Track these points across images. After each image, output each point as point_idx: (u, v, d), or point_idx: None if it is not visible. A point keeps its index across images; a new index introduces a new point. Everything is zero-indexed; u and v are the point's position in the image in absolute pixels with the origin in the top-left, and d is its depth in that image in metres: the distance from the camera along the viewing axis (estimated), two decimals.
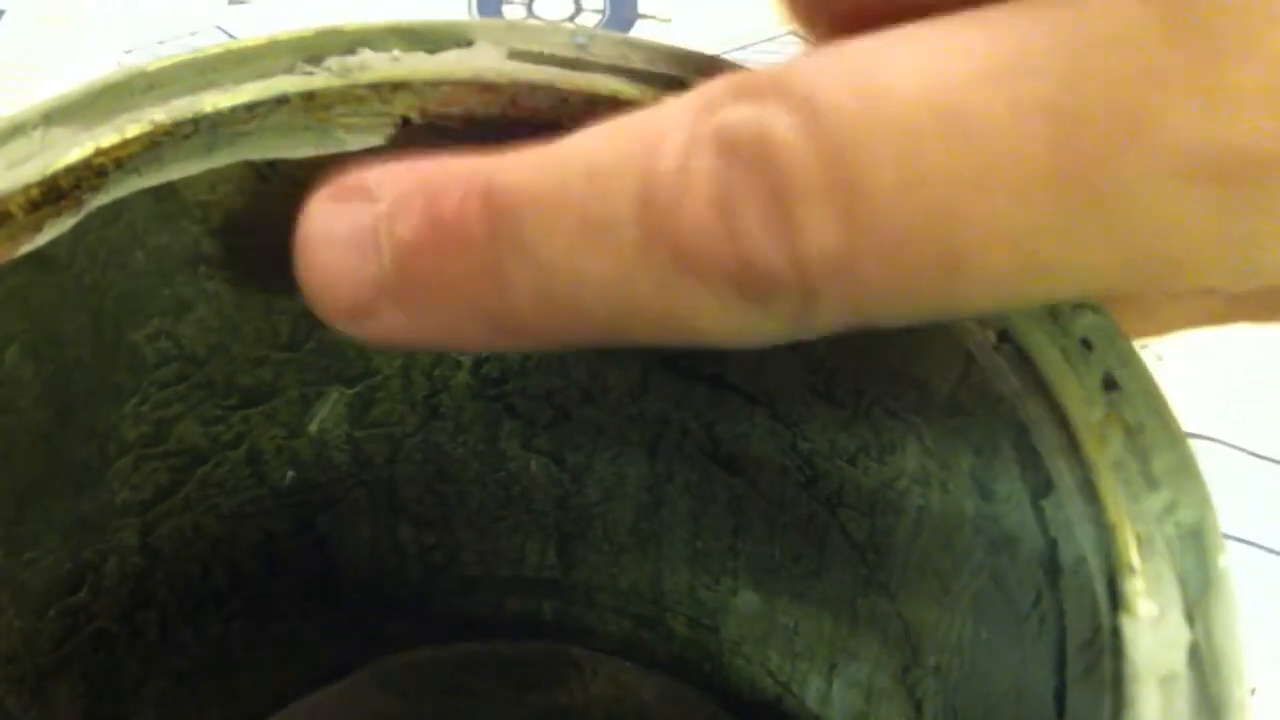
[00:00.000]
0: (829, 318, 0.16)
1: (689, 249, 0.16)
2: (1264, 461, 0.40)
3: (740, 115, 0.16)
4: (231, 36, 0.52)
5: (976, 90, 0.15)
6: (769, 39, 0.52)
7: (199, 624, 0.30)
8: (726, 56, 0.22)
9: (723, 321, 0.17)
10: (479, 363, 0.27)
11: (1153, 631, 0.15)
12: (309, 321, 0.25)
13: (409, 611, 0.33)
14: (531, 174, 0.17)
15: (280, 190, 0.22)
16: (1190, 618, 0.15)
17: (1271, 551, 0.38)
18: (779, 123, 0.15)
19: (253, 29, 0.52)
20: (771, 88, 0.16)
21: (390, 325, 0.19)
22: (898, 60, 0.15)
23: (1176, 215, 0.14)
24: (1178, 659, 0.15)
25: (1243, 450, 0.40)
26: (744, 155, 0.15)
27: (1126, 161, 0.14)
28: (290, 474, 0.28)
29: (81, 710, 0.28)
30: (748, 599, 0.30)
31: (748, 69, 0.17)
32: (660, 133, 0.16)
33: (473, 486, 0.30)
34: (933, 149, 0.15)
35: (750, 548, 0.29)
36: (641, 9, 0.53)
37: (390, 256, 0.19)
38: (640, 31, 0.51)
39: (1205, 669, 0.15)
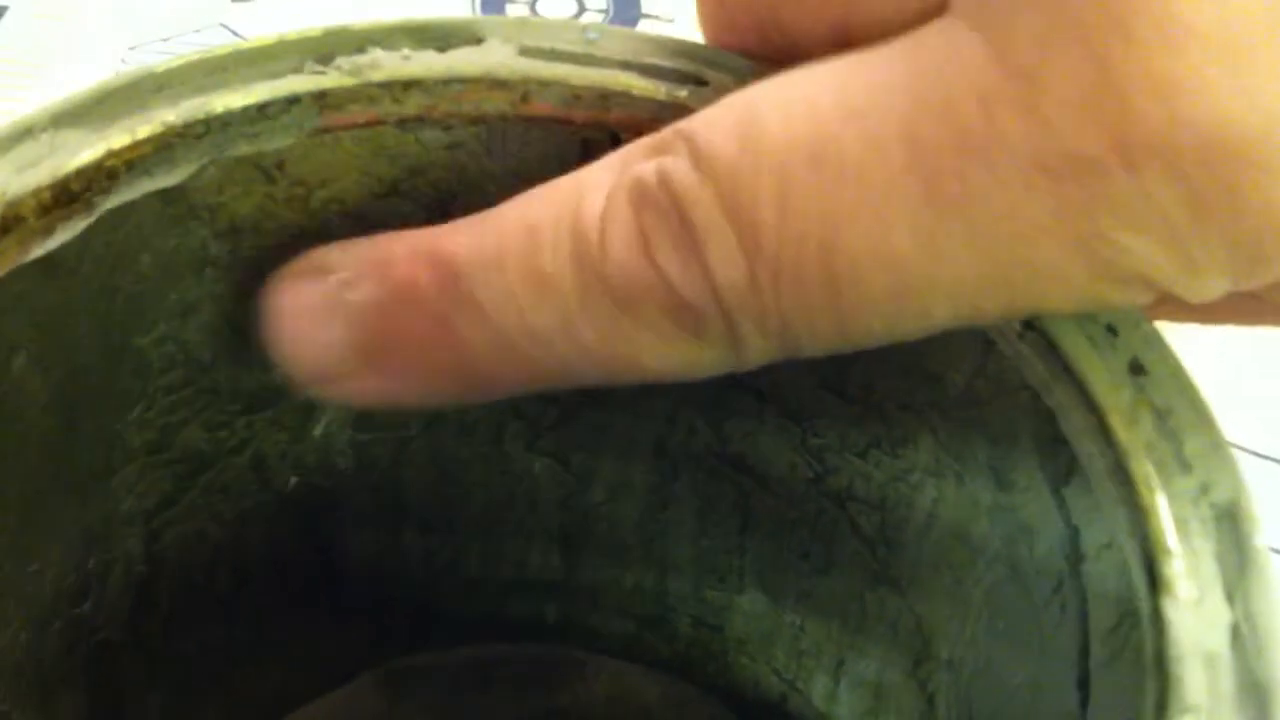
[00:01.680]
0: (758, 345, 0.18)
1: (621, 290, 0.17)
2: (1267, 461, 0.40)
3: (649, 169, 0.17)
4: (236, 33, 0.51)
5: (837, 127, 0.16)
6: None
7: (202, 631, 0.29)
8: None
9: (666, 357, 0.18)
10: None
11: (1194, 612, 0.15)
12: None
13: (412, 615, 0.33)
14: (474, 235, 0.19)
15: (287, 192, 0.22)
16: (1230, 598, 0.15)
17: (1276, 551, 0.38)
18: (680, 172, 0.17)
19: (257, 26, 0.51)
20: (675, 141, 0.18)
21: (365, 386, 0.20)
22: (771, 106, 0.17)
23: (1026, 220, 0.15)
24: (1220, 639, 0.15)
25: (1244, 450, 0.40)
26: (654, 202, 0.17)
27: (971, 175, 0.15)
28: (294, 479, 0.28)
29: None
30: (754, 597, 0.30)
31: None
32: (585, 190, 0.18)
33: (477, 489, 0.30)
34: (803, 183, 0.16)
35: (757, 545, 0.29)
36: (645, 9, 0.53)
37: (346, 321, 0.20)
38: (645, 30, 0.51)
39: (1247, 648, 0.15)
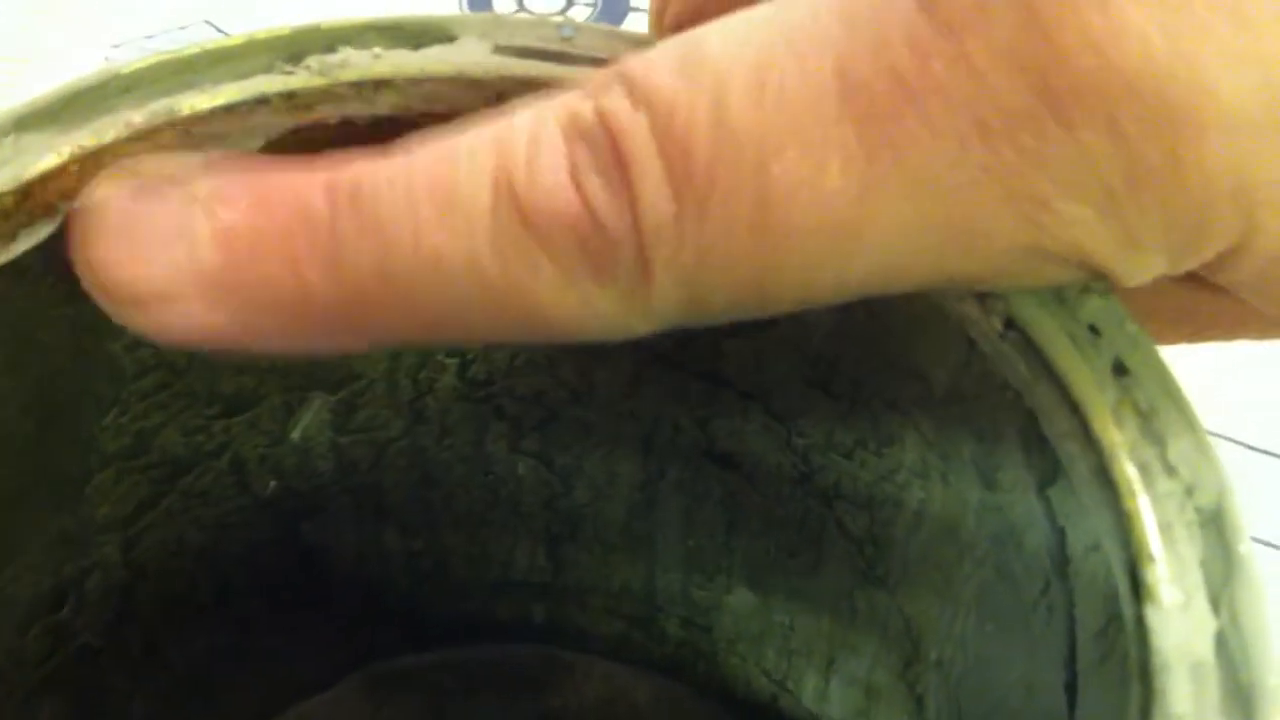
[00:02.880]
0: (664, 293, 0.17)
1: (537, 215, 0.17)
2: (1266, 456, 0.40)
3: (585, 103, 0.17)
4: (220, 30, 0.51)
5: (779, 55, 0.16)
6: None
7: (184, 638, 0.29)
8: None
9: (566, 300, 0.17)
10: (465, 364, 0.27)
11: (1179, 619, 0.15)
12: None
13: (397, 618, 0.32)
14: (380, 162, 0.18)
15: None
16: (1215, 604, 0.15)
17: (1275, 547, 0.38)
18: (616, 103, 0.17)
19: (242, 23, 0.51)
20: (611, 78, 0.17)
21: (190, 315, 0.18)
22: (712, 38, 0.17)
23: (960, 177, 0.15)
24: (1205, 647, 0.15)
25: (1243, 444, 0.40)
26: (589, 135, 0.17)
27: (906, 122, 0.15)
28: (273, 483, 0.28)
29: None
30: (742, 597, 0.30)
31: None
32: (513, 123, 0.17)
33: (459, 491, 0.30)
34: (740, 108, 0.16)
35: (744, 545, 0.29)
36: (633, 2, 0.53)
37: (209, 239, 0.18)
38: (632, 24, 0.51)
39: (1234, 656, 0.15)
